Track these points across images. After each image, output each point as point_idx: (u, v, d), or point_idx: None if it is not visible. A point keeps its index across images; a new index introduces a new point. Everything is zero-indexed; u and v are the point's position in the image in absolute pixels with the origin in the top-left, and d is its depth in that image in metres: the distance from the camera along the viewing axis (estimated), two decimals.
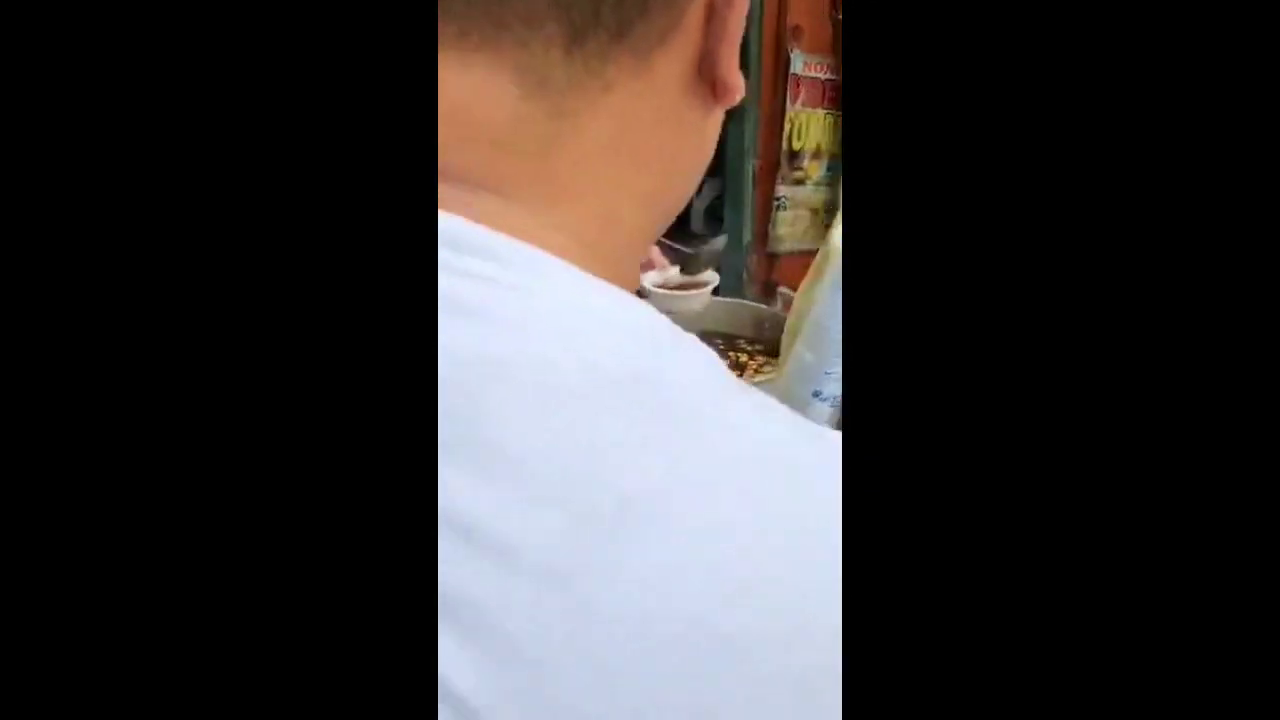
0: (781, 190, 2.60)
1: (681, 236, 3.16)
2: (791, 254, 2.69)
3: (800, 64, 2.50)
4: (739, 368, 1.10)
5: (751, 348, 1.16)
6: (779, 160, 2.57)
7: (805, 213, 2.69)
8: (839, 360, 0.66)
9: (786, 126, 2.54)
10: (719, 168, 2.92)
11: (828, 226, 2.76)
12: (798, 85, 2.50)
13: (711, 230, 2.98)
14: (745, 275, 2.67)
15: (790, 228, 2.67)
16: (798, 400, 0.70)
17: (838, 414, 0.73)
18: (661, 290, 1.01)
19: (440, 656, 0.20)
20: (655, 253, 1.05)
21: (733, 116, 2.51)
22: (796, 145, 2.59)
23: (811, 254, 2.43)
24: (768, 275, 2.68)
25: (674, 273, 1.09)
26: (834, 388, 0.69)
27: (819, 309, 0.64)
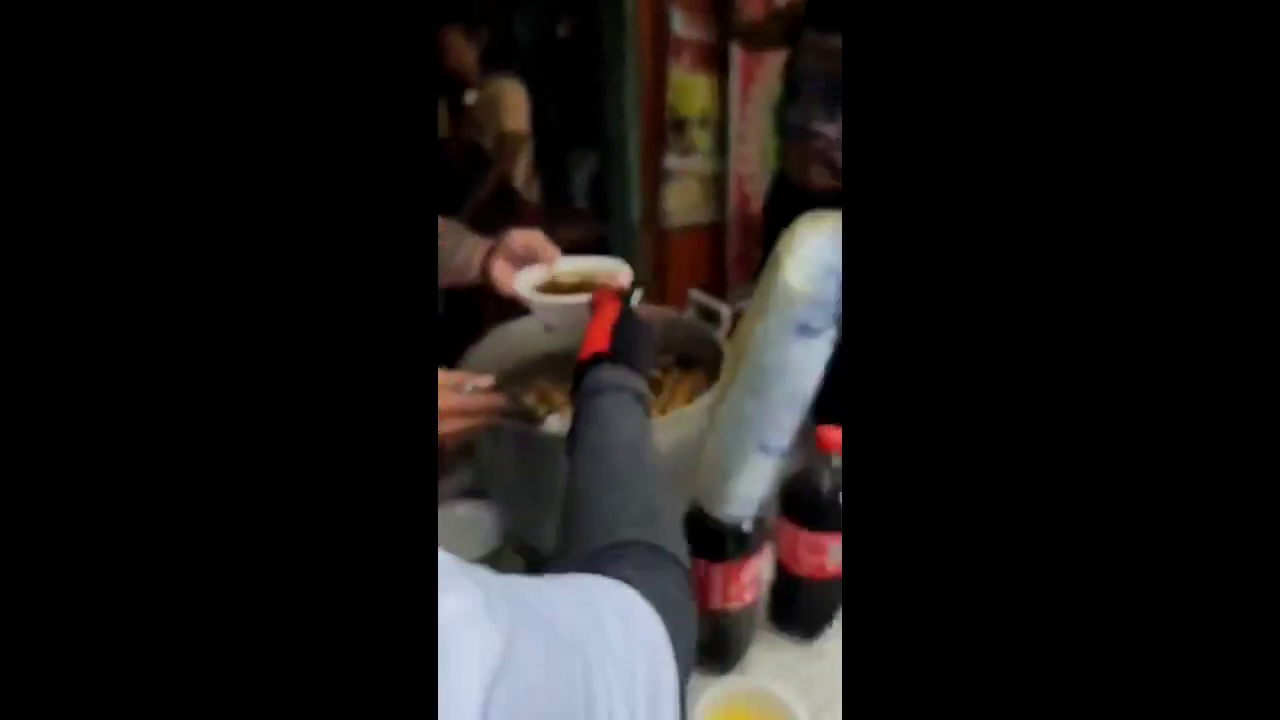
0: (669, 162, 2.49)
1: (566, 215, 2.97)
2: (685, 229, 2.60)
3: (681, 23, 2.36)
4: (654, 385, 0.98)
5: (662, 358, 1.04)
6: (664, 129, 2.45)
7: (694, 183, 2.60)
8: (791, 409, 0.55)
9: (670, 93, 2.41)
10: (597, 140, 2.77)
11: (718, 198, 2.68)
12: (680, 47, 2.37)
13: (595, 209, 2.84)
14: (637, 259, 2.55)
15: (681, 199, 2.57)
16: (738, 453, 0.59)
17: (784, 463, 0.62)
18: (540, 297, 0.77)
19: None
20: (538, 240, 0.84)
21: (609, 84, 2.36)
22: (682, 112, 2.48)
23: (706, 229, 2.32)
24: (661, 256, 2.58)
25: (567, 264, 0.84)
26: (782, 439, 0.58)
27: (765, 355, 0.52)
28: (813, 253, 0.48)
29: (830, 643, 0.78)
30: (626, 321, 0.61)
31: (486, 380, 0.71)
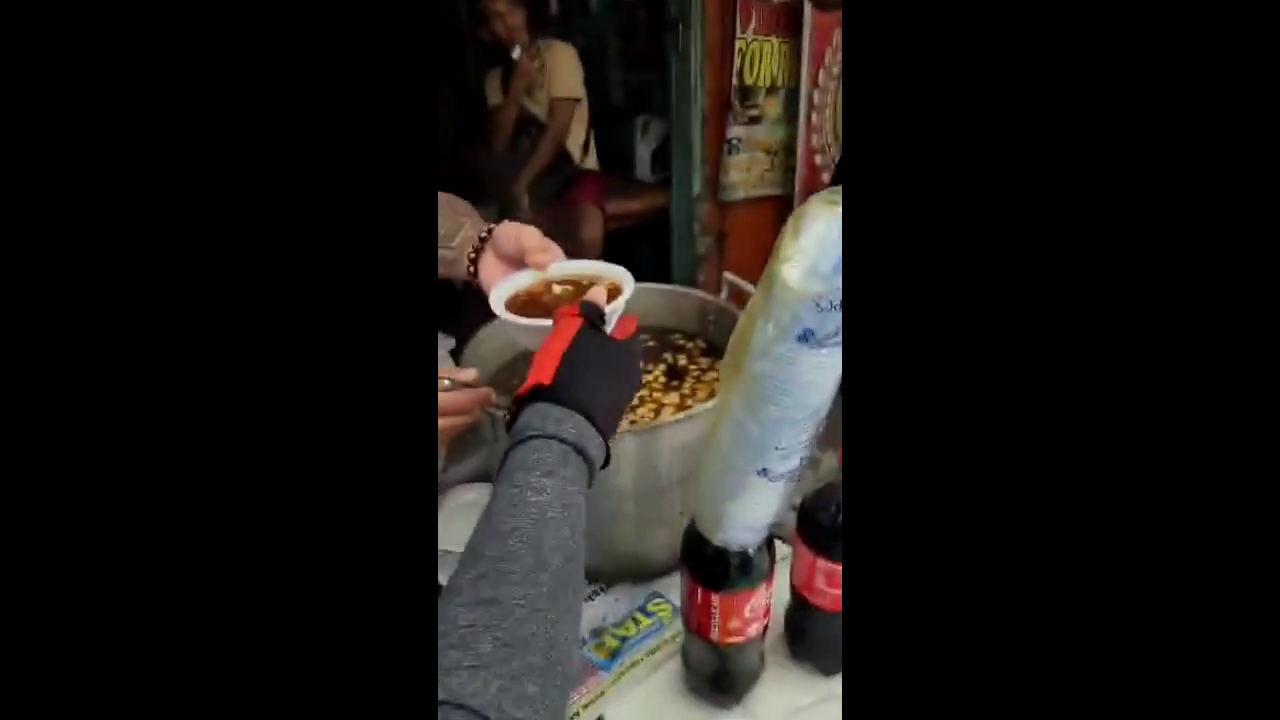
0: (734, 131, 2.35)
1: (627, 185, 2.89)
2: (747, 201, 2.47)
3: None
4: (677, 374, 0.90)
5: (692, 344, 0.96)
6: (730, 98, 2.31)
7: (761, 155, 2.45)
8: (796, 430, 0.46)
9: (737, 59, 2.27)
10: (664, 108, 2.65)
11: (786, 170, 2.52)
12: (748, 10, 2.22)
13: (659, 175, 2.73)
14: (697, 227, 2.44)
15: (744, 173, 2.43)
16: (734, 474, 0.50)
17: (792, 486, 0.53)
18: (510, 316, 0.62)
19: None
20: (531, 237, 0.68)
21: (676, 50, 2.24)
22: (749, 79, 2.33)
23: (768, 201, 2.20)
24: (721, 226, 2.46)
25: (564, 269, 0.69)
26: (788, 464, 0.49)
27: (763, 364, 0.43)
28: (821, 241, 0.38)
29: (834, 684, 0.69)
30: (584, 345, 0.48)
31: (469, 374, 0.64)
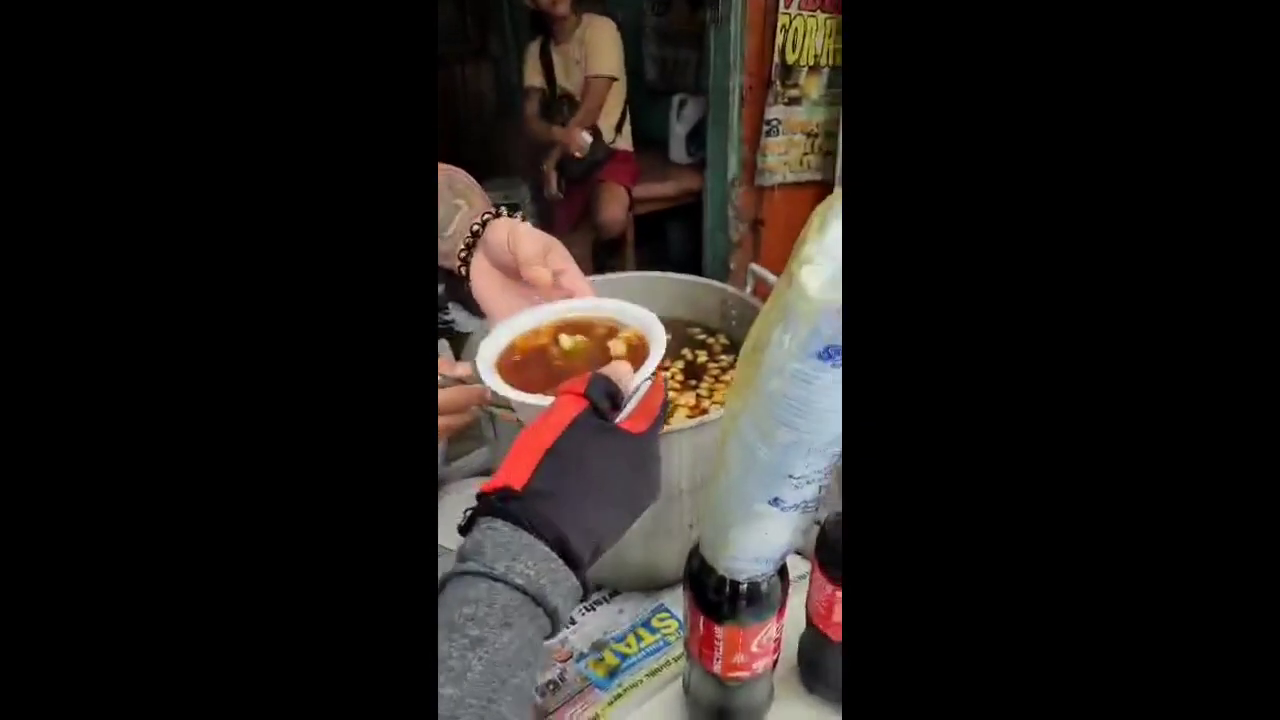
0: (773, 112, 2.25)
1: (661, 166, 2.81)
2: (785, 186, 2.37)
3: None
4: (695, 372, 0.84)
5: (713, 340, 0.89)
6: (770, 76, 2.20)
7: (800, 138, 2.35)
8: (813, 459, 0.40)
9: (779, 36, 2.16)
10: (701, 86, 2.55)
11: (826, 153, 2.41)
12: None
13: (695, 157, 2.64)
14: (732, 212, 2.35)
15: (782, 156, 2.33)
16: (743, 499, 0.44)
17: (810, 517, 0.46)
18: (499, 383, 0.46)
19: None
20: (527, 242, 0.54)
21: (715, 25, 2.14)
22: (791, 58, 2.22)
23: (808, 187, 2.11)
24: (756, 212, 2.37)
25: (577, 309, 0.54)
26: (804, 493, 0.42)
27: (777, 383, 0.37)
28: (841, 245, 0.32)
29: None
30: (579, 441, 0.36)
31: (464, 369, 0.59)
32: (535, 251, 0.54)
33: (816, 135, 2.34)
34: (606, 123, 2.41)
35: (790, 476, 0.41)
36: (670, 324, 0.94)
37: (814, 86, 2.26)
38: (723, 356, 0.86)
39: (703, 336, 0.90)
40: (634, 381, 0.40)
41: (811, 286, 0.32)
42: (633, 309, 0.50)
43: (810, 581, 0.59)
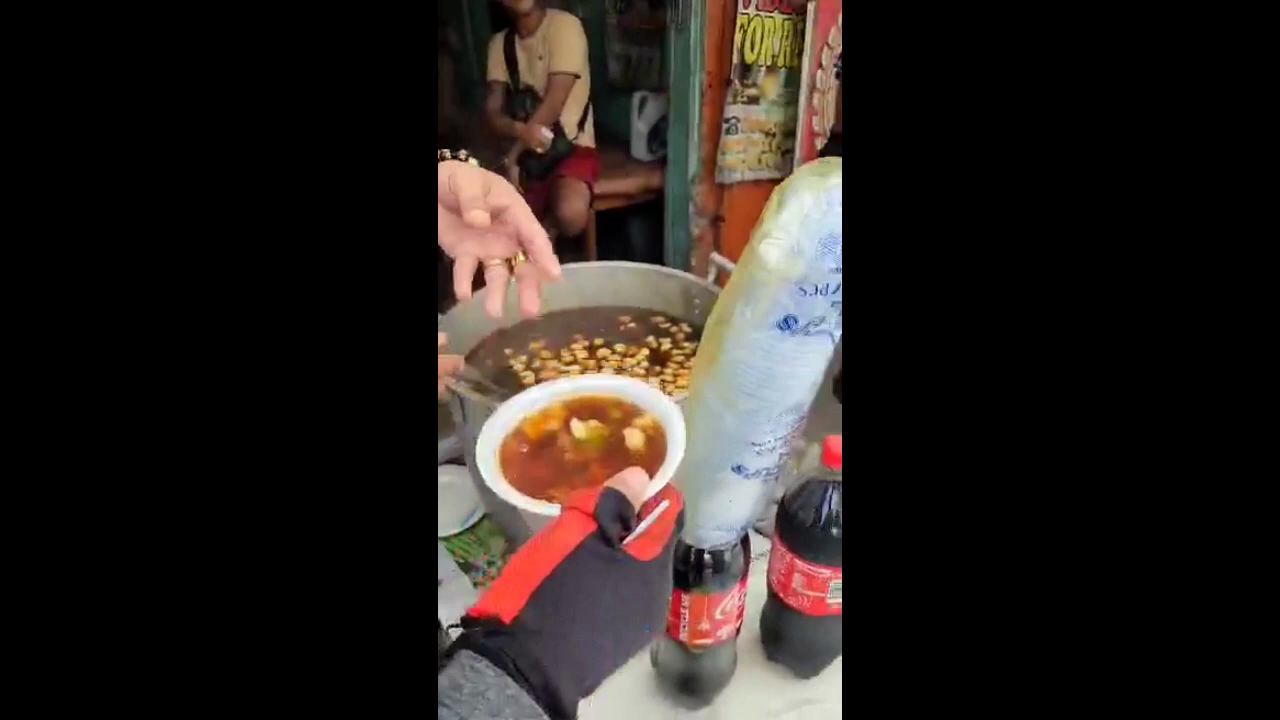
0: (732, 110, 2.29)
1: (622, 163, 2.81)
2: (744, 183, 2.42)
3: None
4: (659, 360, 0.86)
5: (676, 329, 0.92)
6: (729, 75, 2.24)
7: (759, 136, 2.39)
8: (775, 425, 0.42)
9: (738, 35, 2.20)
10: (662, 84, 2.58)
11: (784, 152, 2.47)
12: None
13: (656, 154, 2.66)
14: (692, 208, 2.39)
15: (741, 154, 2.37)
16: (708, 468, 0.46)
17: (771, 485, 0.49)
18: (501, 484, 0.41)
19: None
20: (467, 182, 0.51)
21: (676, 24, 2.17)
22: (750, 57, 2.26)
23: (766, 184, 2.17)
24: (717, 208, 2.41)
25: (592, 385, 0.47)
26: (765, 461, 0.45)
27: (740, 352, 0.39)
28: (807, 217, 0.34)
29: (829, 683, 0.66)
30: (581, 571, 0.33)
31: (439, 338, 0.60)
32: (474, 194, 0.50)
33: (774, 135, 2.39)
34: (569, 119, 2.41)
35: (752, 444, 0.43)
36: (634, 313, 0.97)
37: (771, 87, 2.31)
38: (686, 344, 0.89)
39: (666, 325, 0.92)
40: (649, 490, 0.37)
41: (771, 259, 0.34)
42: (649, 391, 0.45)
43: (771, 554, 0.62)
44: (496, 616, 0.31)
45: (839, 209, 0.34)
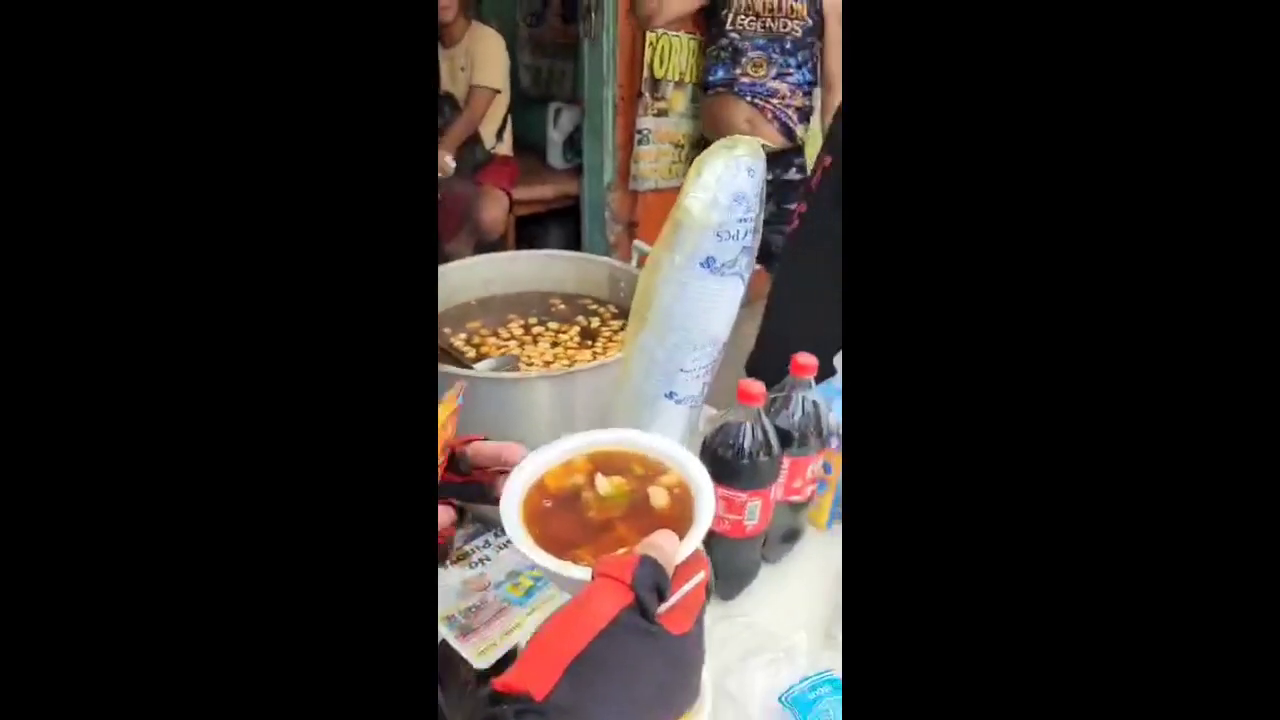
0: (644, 123, 2.42)
1: (540, 171, 2.88)
2: (657, 191, 2.55)
3: None
4: (590, 336, 0.95)
5: (603, 309, 1.01)
6: (640, 89, 2.37)
7: (668, 147, 2.54)
8: (699, 354, 0.52)
9: (648, 52, 2.34)
10: (574, 96, 2.69)
11: (690, 163, 2.64)
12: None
13: (571, 162, 2.76)
14: (607, 215, 2.49)
15: (653, 164, 2.50)
16: (644, 399, 0.56)
17: (696, 414, 0.59)
18: (529, 544, 0.40)
19: None
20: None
21: (589, 38, 2.28)
22: (659, 73, 2.40)
23: (677, 192, 2.33)
24: (631, 214, 2.53)
25: (614, 440, 0.46)
26: (691, 387, 0.55)
27: (669, 291, 0.49)
28: (722, 177, 0.44)
29: (742, 604, 0.76)
30: (616, 646, 0.31)
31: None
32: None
33: (683, 146, 2.53)
34: (488, 129, 2.47)
35: (682, 370, 0.53)
36: (563, 296, 1.05)
37: (679, 101, 2.46)
38: (613, 322, 0.98)
39: (594, 306, 1.01)
40: (681, 553, 0.36)
41: (696, 209, 0.44)
42: (673, 447, 0.44)
43: None
44: (528, 694, 0.29)
45: (744, 173, 0.44)
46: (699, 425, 0.62)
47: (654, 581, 0.33)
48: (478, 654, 0.50)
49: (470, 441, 0.46)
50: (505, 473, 0.43)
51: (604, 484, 0.43)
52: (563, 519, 0.41)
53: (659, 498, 0.41)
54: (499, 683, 0.31)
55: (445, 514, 0.45)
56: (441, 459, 0.43)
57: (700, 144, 2.39)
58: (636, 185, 2.46)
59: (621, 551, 0.35)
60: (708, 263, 0.46)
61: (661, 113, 2.44)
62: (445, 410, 0.44)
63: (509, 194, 2.53)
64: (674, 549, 0.35)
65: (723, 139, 0.46)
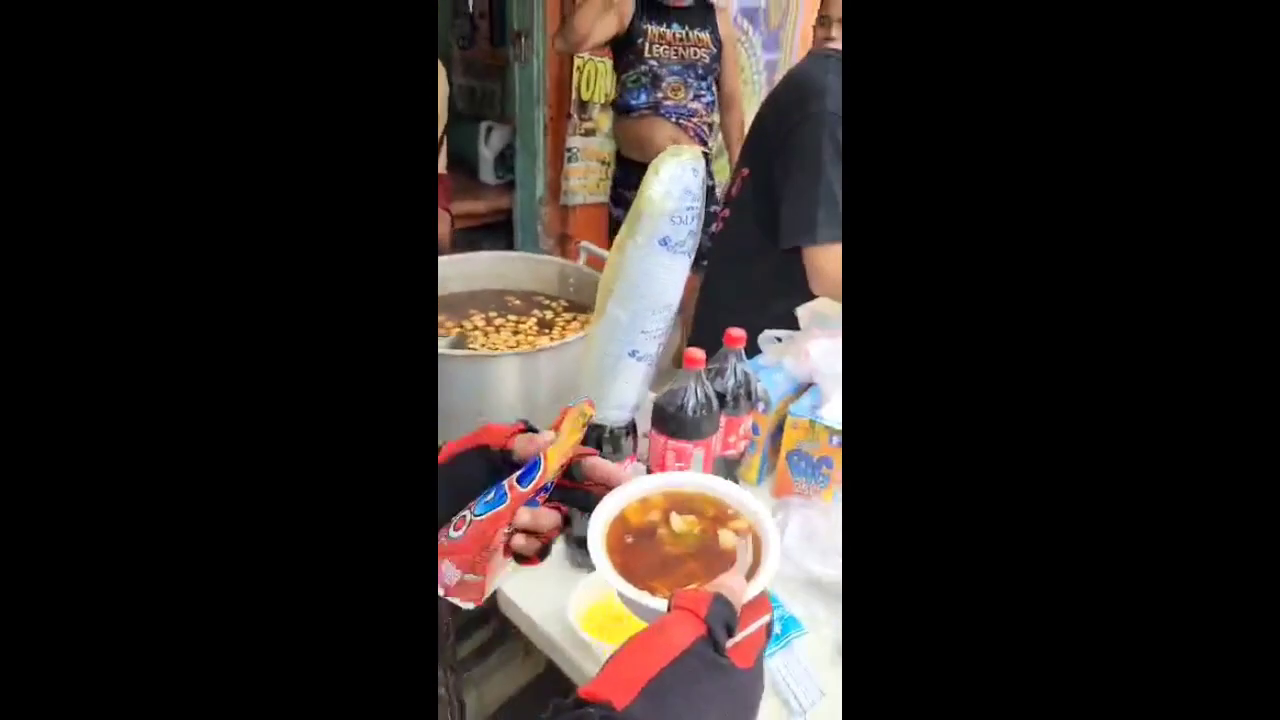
0: (573, 141, 2.56)
1: (472, 187, 2.95)
2: (585, 206, 2.69)
3: None
4: (546, 326, 1.06)
5: (555, 303, 1.13)
6: (569, 109, 2.51)
7: (596, 164, 2.68)
8: (656, 318, 0.65)
9: (575, 75, 2.48)
10: (504, 115, 2.80)
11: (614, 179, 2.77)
12: None
13: (503, 179, 2.87)
14: (540, 228, 2.61)
15: (582, 180, 2.64)
16: (610, 358, 0.68)
17: (651, 371, 0.72)
18: (615, 577, 0.45)
19: None
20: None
21: (519, 60, 2.41)
22: (586, 95, 2.55)
23: (603, 206, 2.47)
24: (562, 228, 2.65)
25: (687, 482, 0.51)
26: (650, 346, 0.68)
27: (633, 266, 0.62)
28: (674, 175, 0.58)
29: None
30: (690, 672, 0.36)
31: None
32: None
33: (608, 163, 2.68)
34: None
35: (642, 331, 0.66)
36: (518, 294, 1.16)
37: (605, 121, 2.61)
38: (565, 314, 1.10)
39: (547, 301, 1.13)
40: (749, 594, 0.40)
41: (657, 197, 0.57)
42: (742, 493, 0.49)
43: (650, 444, 0.84)
44: (609, 703, 0.34)
45: (690, 172, 0.58)
46: (650, 384, 0.75)
47: (725, 618, 0.37)
48: None
49: (588, 456, 0.51)
50: (609, 489, 0.49)
51: (679, 522, 0.47)
52: (641, 552, 0.45)
53: (728, 539, 0.45)
54: (584, 690, 0.35)
55: (551, 517, 0.49)
56: (563, 465, 0.48)
57: (619, 161, 2.54)
58: (567, 200, 2.59)
59: (693, 586, 0.40)
60: (664, 241, 0.59)
61: (589, 132, 2.58)
62: (575, 424, 0.49)
63: (449, 212, 2.60)
64: (742, 590, 0.39)
65: (670, 148, 0.60)
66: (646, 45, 2.13)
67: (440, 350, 0.89)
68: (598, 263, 1.13)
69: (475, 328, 1.04)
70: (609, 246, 0.66)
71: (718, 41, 2.19)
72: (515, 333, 1.04)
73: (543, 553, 0.51)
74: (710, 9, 2.17)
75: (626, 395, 0.72)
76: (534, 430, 0.51)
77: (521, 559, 0.50)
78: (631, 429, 0.78)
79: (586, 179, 2.65)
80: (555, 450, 0.47)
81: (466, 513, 0.47)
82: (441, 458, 0.50)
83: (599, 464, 0.51)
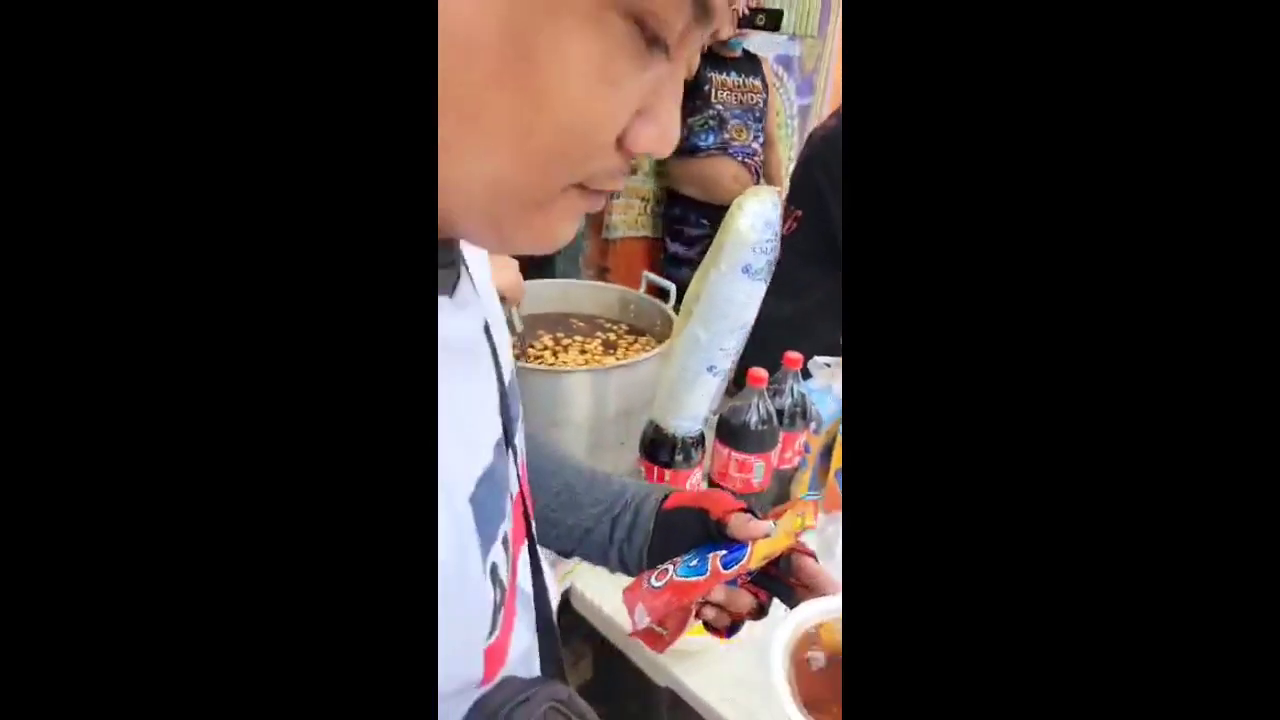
0: None
1: None
2: (624, 239, 2.80)
3: None
4: (611, 346, 1.15)
5: (617, 328, 1.21)
6: None
7: (636, 201, 2.80)
8: (733, 337, 0.73)
9: None
10: None
11: (656, 215, 2.89)
12: None
13: None
14: (581, 260, 2.72)
15: (623, 215, 2.76)
16: (690, 372, 0.76)
17: (723, 385, 0.80)
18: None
19: None
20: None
21: None
22: None
23: (642, 240, 2.59)
24: (602, 260, 2.76)
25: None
26: (725, 363, 0.75)
27: (716, 291, 0.70)
28: (758, 211, 0.66)
29: None
30: None
31: None
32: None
33: (648, 200, 2.81)
34: None
35: (720, 349, 0.73)
36: (581, 317, 1.25)
37: (644, 161, 2.74)
38: (627, 336, 1.18)
39: (609, 325, 1.22)
40: None
41: (743, 229, 0.66)
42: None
43: (712, 454, 0.91)
44: None
45: (771, 207, 0.66)
46: (720, 399, 0.83)
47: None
48: None
49: (805, 554, 0.51)
50: (811, 590, 0.49)
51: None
52: (825, 682, 0.44)
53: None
54: None
55: (747, 600, 0.49)
56: (768, 558, 0.48)
57: (672, 198, 2.65)
58: (609, 234, 2.70)
59: None
60: (746, 269, 0.68)
61: (631, 171, 2.70)
62: (790, 525, 0.49)
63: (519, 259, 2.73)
64: None
65: (751, 188, 0.69)
66: (713, 91, 2.29)
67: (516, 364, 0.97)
68: (655, 291, 1.22)
69: (545, 347, 1.13)
70: None
71: (765, 88, 2.35)
72: (582, 352, 1.12)
73: (732, 629, 0.51)
74: (756, 59, 2.34)
75: (700, 408, 0.80)
76: (754, 514, 0.51)
77: (710, 628, 0.51)
78: (700, 440, 0.85)
79: (627, 214, 2.77)
80: (764, 545, 0.48)
81: (670, 567, 0.48)
82: (669, 504, 0.52)
83: (808, 565, 0.50)
